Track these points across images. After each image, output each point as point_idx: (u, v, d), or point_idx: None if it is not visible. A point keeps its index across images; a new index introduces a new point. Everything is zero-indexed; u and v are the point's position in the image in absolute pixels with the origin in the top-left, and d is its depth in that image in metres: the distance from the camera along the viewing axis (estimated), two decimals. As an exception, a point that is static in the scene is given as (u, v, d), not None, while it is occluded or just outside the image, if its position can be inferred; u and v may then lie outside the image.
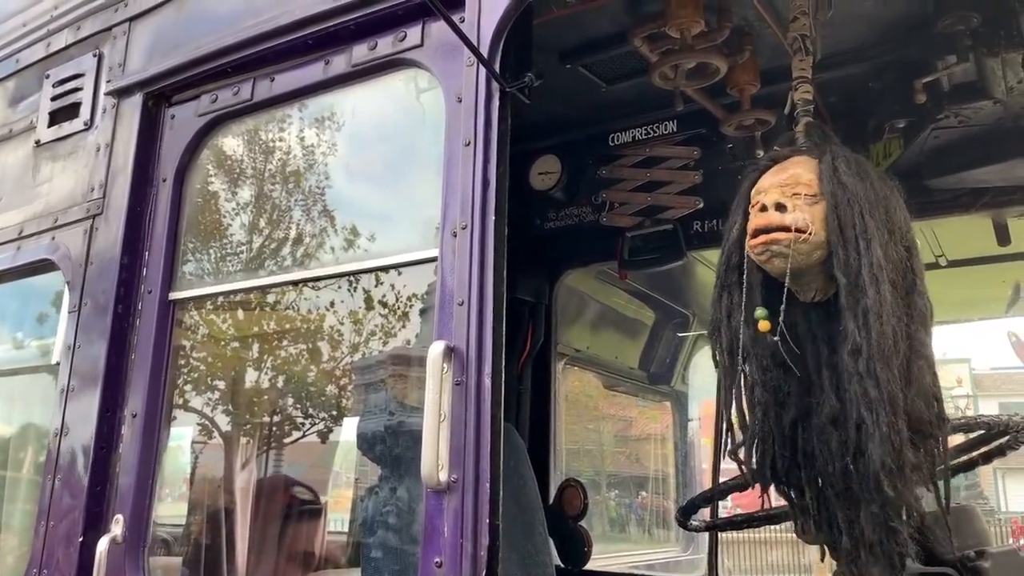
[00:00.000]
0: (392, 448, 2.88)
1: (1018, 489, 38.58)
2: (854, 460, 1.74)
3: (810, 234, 1.79)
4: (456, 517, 1.69)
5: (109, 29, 2.83)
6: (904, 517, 1.78)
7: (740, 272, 1.90)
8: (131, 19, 2.78)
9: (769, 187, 1.86)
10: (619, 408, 6.48)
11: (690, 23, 2.53)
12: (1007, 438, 2.43)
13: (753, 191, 1.92)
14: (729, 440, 1.93)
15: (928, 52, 2.65)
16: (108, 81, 2.77)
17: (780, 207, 1.79)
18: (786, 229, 1.78)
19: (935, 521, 2.36)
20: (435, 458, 1.71)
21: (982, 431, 2.30)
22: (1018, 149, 2.88)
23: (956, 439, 2.52)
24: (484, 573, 1.64)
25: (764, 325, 1.83)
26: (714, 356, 1.94)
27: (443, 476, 1.71)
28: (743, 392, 1.89)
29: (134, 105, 2.66)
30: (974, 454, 2.59)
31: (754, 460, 1.89)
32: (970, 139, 2.93)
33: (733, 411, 1.90)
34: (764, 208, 1.81)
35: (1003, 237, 3.30)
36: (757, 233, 1.81)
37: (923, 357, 1.81)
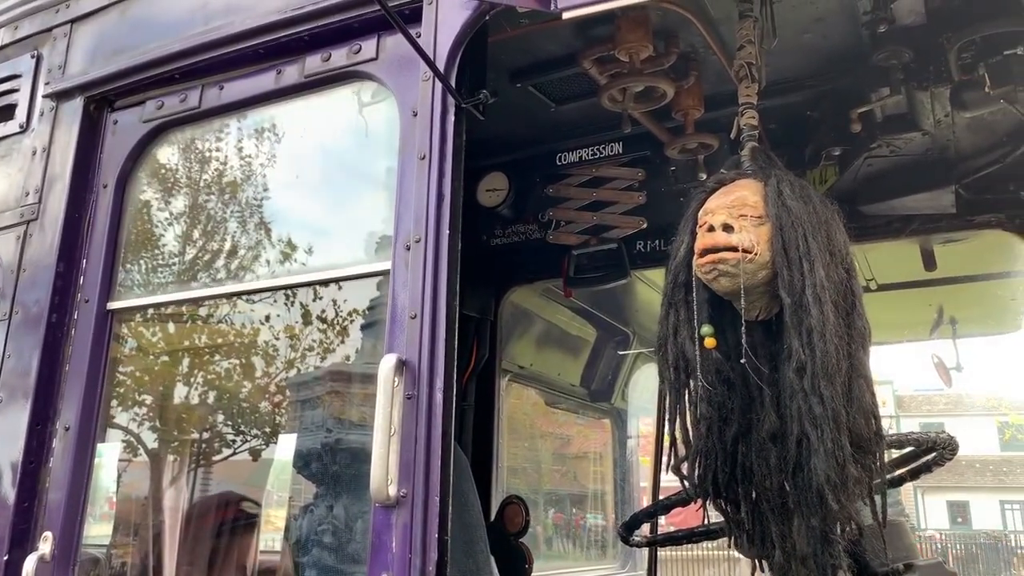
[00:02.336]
0: (329, 466, 2.84)
1: (936, 506, 40.08)
2: (793, 475, 1.79)
3: (756, 254, 1.84)
4: (405, 532, 1.68)
5: (49, 30, 2.75)
6: (840, 531, 1.83)
7: (687, 290, 1.95)
8: (73, 21, 2.71)
9: (716, 208, 1.91)
10: (557, 426, 6.51)
11: (639, 47, 2.59)
12: (934, 455, 2.54)
13: (700, 212, 1.96)
14: (672, 455, 1.96)
15: (863, 84, 2.77)
16: (47, 83, 2.68)
17: (727, 228, 1.84)
18: (733, 249, 1.82)
19: (868, 535, 2.45)
20: (384, 472, 1.70)
21: (912, 447, 2.39)
22: (944, 179, 3.03)
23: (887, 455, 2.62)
24: (433, 588, 1.63)
25: (710, 342, 1.88)
26: (660, 372, 1.97)
27: (392, 491, 1.70)
28: (687, 407, 1.92)
29: (74, 109, 2.58)
30: (903, 470, 2.70)
31: (696, 475, 1.93)
32: (900, 168, 3.07)
33: (677, 426, 1.94)
34: (711, 228, 1.86)
35: (929, 262, 3.46)
36: (705, 252, 1.85)
37: (863, 376, 1.88)
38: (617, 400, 5.41)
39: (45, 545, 2.17)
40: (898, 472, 2.72)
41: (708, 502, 1.99)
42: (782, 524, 1.86)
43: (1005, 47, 2.35)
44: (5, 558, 2.21)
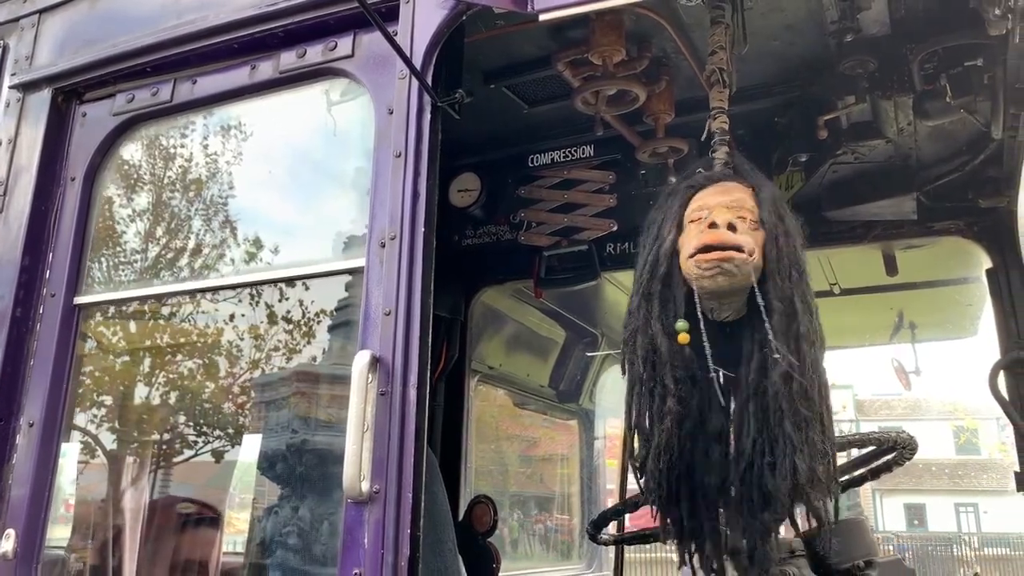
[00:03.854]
0: (294, 467, 2.82)
1: (893, 508, 40.87)
2: (743, 473, 1.82)
3: (754, 258, 1.85)
4: (377, 528, 1.68)
5: (16, 20, 2.70)
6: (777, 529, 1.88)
7: (664, 283, 1.93)
8: (41, 11, 2.66)
9: (716, 206, 1.90)
10: (524, 429, 6.54)
11: (612, 51, 2.62)
12: (894, 454, 2.60)
13: (693, 207, 1.95)
14: (633, 449, 1.97)
15: (830, 91, 2.83)
16: (13, 74, 2.64)
17: (731, 227, 1.84)
18: (738, 249, 1.82)
19: (825, 534, 2.51)
20: (358, 469, 1.70)
21: (873, 447, 2.45)
22: (906, 186, 3.10)
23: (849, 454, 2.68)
24: (405, 583, 1.64)
25: (683, 337, 1.87)
26: (626, 363, 1.96)
27: (365, 487, 1.70)
28: (652, 401, 1.91)
29: (42, 100, 2.54)
30: (864, 470, 2.77)
31: (657, 469, 1.92)
32: (864, 175, 3.14)
33: (645, 419, 1.93)
34: (714, 225, 1.85)
35: (891, 268, 3.54)
36: (709, 249, 1.83)
37: (824, 380, 1.93)
38: (585, 401, 5.45)
39: (7, 543, 2.13)
40: (859, 471, 2.80)
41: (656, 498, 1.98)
42: (713, 520, 1.90)
43: (966, 59, 2.42)
44: (-35, 556, 2.17)
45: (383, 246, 1.85)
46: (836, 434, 2.30)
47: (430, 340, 1.80)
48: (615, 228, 3.60)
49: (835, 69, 2.69)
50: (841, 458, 2.51)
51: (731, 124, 3.17)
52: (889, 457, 2.64)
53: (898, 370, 5.59)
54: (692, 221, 1.90)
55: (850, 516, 2.76)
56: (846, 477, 2.77)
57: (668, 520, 2.02)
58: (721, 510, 1.93)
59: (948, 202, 3.16)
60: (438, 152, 1.90)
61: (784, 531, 2.72)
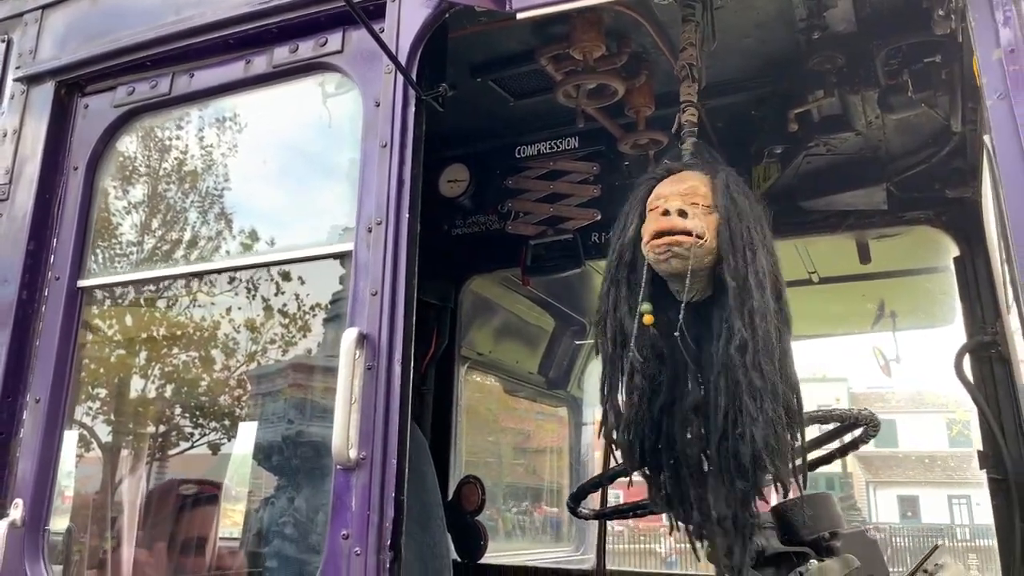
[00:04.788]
0: (290, 459, 2.93)
1: (887, 500, 41.13)
2: (718, 443, 1.95)
3: (706, 240, 1.97)
4: (364, 492, 1.81)
5: (20, 15, 2.81)
6: (757, 497, 2.00)
7: (630, 269, 2.06)
8: (44, 7, 2.77)
9: (670, 195, 2.03)
10: (519, 421, 6.69)
11: (592, 47, 2.74)
12: (860, 431, 2.73)
13: (652, 197, 2.07)
14: (605, 423, 2.10)
15: (801, 86, 2.95)
16: (17, 67, 2.75)
17: (682, 213, 1.97)
18: (687, 233, 1.95)
19: (794, 506, 2.64)
20: (346, 437, 1.83)
21: (836, 423, 2.57)
22: (876, 177, 3.23)
23: (812, 431, 2.80)
24: (389, 543, 1.77)
25: (648, 319, 2.00)
26: (598, 344, 2.10)
27: (353, 453, 1.82)
28: (621, 378, 2.04)
29: (45, 93, 2.65)
30: (832, 448, 2.90)
31: (626, 440, 2.06)
32: (836, 166, 3.26)
33: (618, 396, 2.07)
34: (666, 212, 1.97)
35: (864, 256, 3.66)
36: (660, 234, 1.96)
37: (790, 356, 2.06)
38: (573, 388, 5.57)
39: (16, 511, 2.26)
40: (829, 450, 2.93)
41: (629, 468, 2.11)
42: (699, 488, 2.03)
43: (925, 55, 2.54)
44: (-24, 524, 2.29)
45: (370, 231, 1.97)
46: (807, 411, 2.48)
47: (414, 319, 1.92)
48: (599, 217, 3.72)
49: (805, 65, 2.81)
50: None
51: (710, 117, 3.33)
52: (856, 434, 2.77)
53: (878, 358, 5.73)
54: (651, 210, 2.02)
55: (841, 507, 2.86)
56: (815, 455, 2.91)
57: (655, 490, 2.16)
58: (708, 479, 2.06)
59: (917, 192, 3.28)
60: (422, 143, 2.02)
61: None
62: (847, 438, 2.81)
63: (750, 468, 1.89)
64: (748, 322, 1.90)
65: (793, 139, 3.21)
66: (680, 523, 2.12)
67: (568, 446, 5.83)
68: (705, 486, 2.02)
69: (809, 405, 2.26)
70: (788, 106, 3.05)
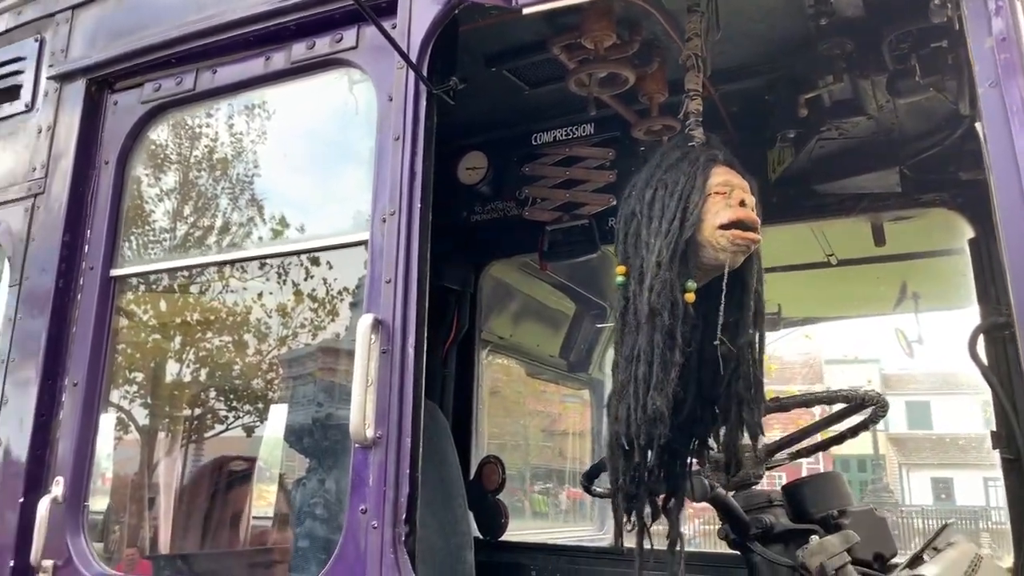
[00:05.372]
0: (320, 441, 3.04)
1: (921, 483, 40.73)
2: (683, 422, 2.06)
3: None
4: (380, 469, 1.91)
5: (52, 15, 2.93)
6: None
7: (688, 245, 2.01)
8: (74, 7, 2.89)
9: (739, 186, 2.04)
10: (545, 404, 6.79)
11: (603, 36, 2.78)
12: (869, 412, 2.77)
13: (719, 180, 2.04)
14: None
15: (811, 71, 2.98)
16: (50, 66, 2.87)
17: (754, 208, 2.03)
18: (757, 232, 2.02)
19: (803, 485, 2.71)
20: (362, 417, 1.92)
21: (842, 403, 2.62)
22: (889, 160, 3.25)
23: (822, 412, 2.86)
24: (404, 517, 1.87)
25: (689, 296, 2.00)
26: (652, 313, 1.99)
27: (369, 433, 1.92)
28: (658, 352, 1.98)
29: (77, 90, 2.77)
30: (843, 429, 2.95)
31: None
32: (849, 150, 3.29)
33: (652, 369, 1.99)
34: (743, 204, 2.00)
35: (879, 238, 3.68)
36: (745, 227, 1.98)
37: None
38: (595, 371, 5.64)
39: (57, 488, 2.40)
40: (839, 431, 2.98)
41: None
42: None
43: (933, 40, 2.56)
44: (21, 500, 2.44)
45: (384, 221, 2.06)
46: (812, 393, 2.57)
47: (427, 305, 2.01)
48: (614, 203, 3.77)
49: (815, 50, 2.84)
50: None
51: (724, 102, 3.36)
52: (866, 415, 2.82)
53: (901, 339, 5.74)
54: (717, 193, 2.01)
55: (868, 496, 2.92)
56: (824, 436, 2.97)
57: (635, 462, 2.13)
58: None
59: (931, 175, 3.29)
60: (433, 135, 2.10)
61: (764, 484, 2.93)
62: (857, 419, 2.86)
63: (730, 450, 2.01)
64: (755, 323, 2.02)
65: (806, 123, 3.23)
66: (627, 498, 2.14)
67: (590, 427, 5.92)
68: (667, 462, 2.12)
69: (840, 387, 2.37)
70: (800, 91, 3.07)
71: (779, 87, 3.20)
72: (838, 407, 2.69)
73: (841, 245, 4.26)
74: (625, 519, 2.19)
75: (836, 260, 4.39)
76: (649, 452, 2.10)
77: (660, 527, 2.27)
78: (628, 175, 3.68)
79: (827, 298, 5.40)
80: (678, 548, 2.30)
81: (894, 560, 2.64)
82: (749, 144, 3.47)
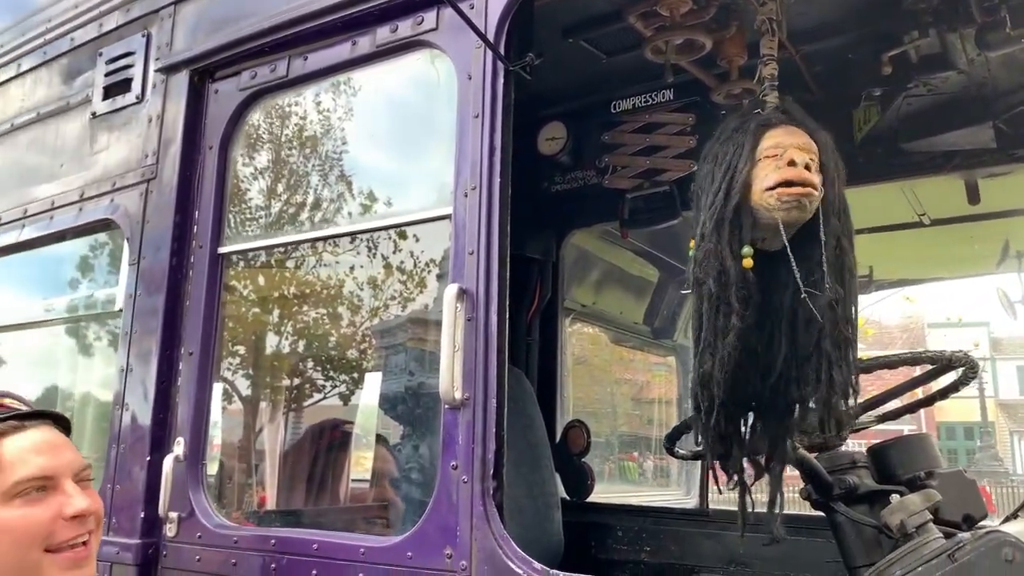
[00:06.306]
0: (413, 408, 3.20)
1: (1032, 451, 38.76)
2: (774, 385, 2.08)
3: (819, 196, 2.06)
4: (468, 428, 2.04)
5: (156, 11, 3.14)
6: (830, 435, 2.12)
7: (736, 211, 2.08)
8: (176, 2, 3.09)
9: (792, 145, 2.07)
10: (633, 372, 6.85)
11: (678, 3, 2.80)
12: (961, 372, 2.73)
13: (769, 143, 2.09)
14: (700, 364, 2.20)
15: (897, 27, 2.91)
16: (157, 59, 3.08)
17: (807, 166, 2.04)
18: (814, 187, 2.03)
19: (889, 447, 2.70)
20: (451, 380, 2.05)
21: (928, 364, 2.60)
22: (982, 115, 3.14)
23: (910, 373, 2.83)
24: (492, 472, 1.99)
25: (748, 262, 2.07)
26: (695, 283, 2.12)
27: (458, 395, 2.05)
28: (718, 319, 2.08)
29: (181, 81, 2.97)
30: (933, 391, 2.91)
31: (723, 379, 2.09)
32: (939, 106, 3.20)
33: (711, 334, 2.09)
34: (793, 163, 2.03)
35: (973, 196, 3.57)
36: (791, 184, 2.02)
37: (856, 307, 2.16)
38: (680, 337, 5.65)
39: (179, 448, 2.63)
40: (926, 394, 2.95)
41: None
42: (741, 424, 2.18)
43: (1025, -11, 2.47)
44: (148, 458, 2.69)
45: (466, 196, 2.17)
46: (894, 353, 2.55)
47: (508, 275, 2.11)
48: (695, 168, 3.76)
49: (899, 5, 2.77)
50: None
51: (808, 62, 3.32)
52: (956, 377, 2.77)
53: (1003, 299, 5.52)
54: (768, 157, 2.05)
55: (976, 462, 2.88)
56: (906, 401, 2.94)
57: (710, 425, 2.19)
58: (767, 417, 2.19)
59: (1028, 128, 3.17)
60: (512, 111, 2.18)
61: (849, 444, 2.93)
62: (943, 381, 2.81)
63: (824, 409, 2.02)
64: (839, 279, 2.01)
65: (893, 80, 3.16)
66: (717, 458, 2.23)
67: (677, 394, 5.95)
68: (746, 423, 2.15)
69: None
70: (885, 48, 3.01)
71: (863, 44, 3.13)
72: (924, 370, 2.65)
73: (933, 204, 4.13)
74: (726, 481, 2.26)
75: (929, 220, 4.27)
76: (717, 413, 2.16)
77: (732, 494, 2.32)
78: (709, 139, 3.73)
79: (921, 259, 5.24)
80: (777, 509, 2.34)
81: (984, 522, 2.61)
82: (834, 104, 3.41)
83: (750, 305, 2.12)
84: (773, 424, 2.14)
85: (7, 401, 1.78)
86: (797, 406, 2.16)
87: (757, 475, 2.31)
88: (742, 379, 2.14)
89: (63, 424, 1.82)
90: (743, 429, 2.20)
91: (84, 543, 1.70)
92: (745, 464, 2.28)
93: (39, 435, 1.73)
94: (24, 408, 1.78)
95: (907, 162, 3.47)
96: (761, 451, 2.18)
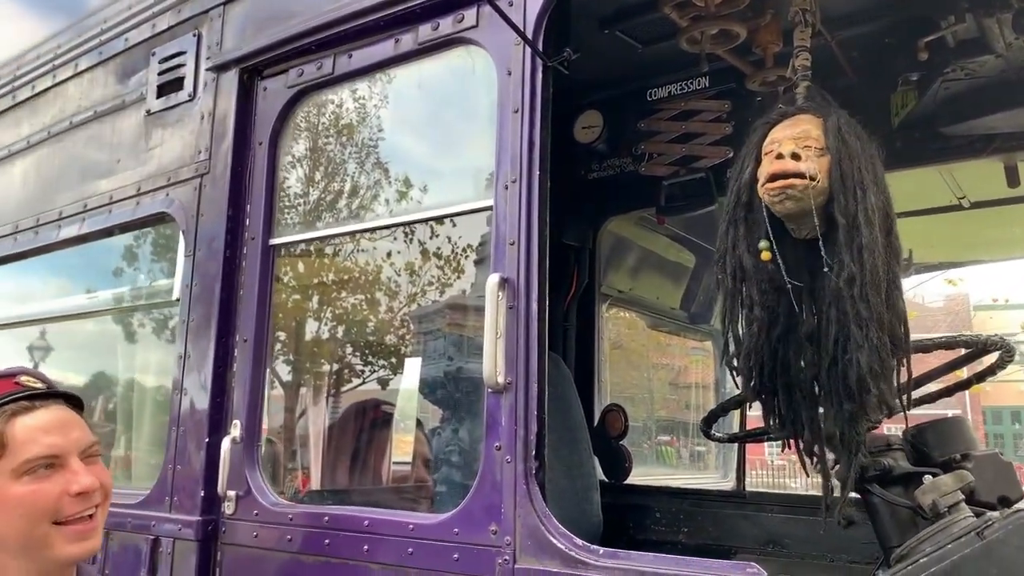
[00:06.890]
0: (452, 392, 3.31)
1: (1082, 435, 37.81)
2: (828, 368, 2.11)
3: (817, 182, 2.12)
4: (511, 411, 2.13)
5: (206, 12, 3.26)
6: (871, 416, 2.16)
7: (747, 209, 2.23)
8: (225, 3, 3.20)
9: (783, 138, 2.17)
10: (670, 357, 6.89)
11: (713, -8, 2.84)
12: (997, 356, 2.75)
13: (766, 141, 2.22)
14: (727, 352, 2.30)
15: (934, 12, 2.91)
16: (208, 58, 3.21)
17: (795, 156, 2.11)
18: (800, 176, 2.09)
19: (925, 430, 2.73)
20: (494, 365, 2.15)
21: (963, 348, 2.62)
22: (1021, 98, 3.13)
23: (944, 356, 2.85)
24: (534, 453, 2.09)
25: (766, 255, 2.17)
26: (718, 280, 2.29)
27: (501, 379, 2.14)
28: (740, 311, 2.24)
29: (231, 79, 3.09)
30: (969, 375, 2.93)
31: (746, 368, 2.26)
32: (978, 90, 3.19)
33: (738, 327, 2.26)
34: (780, 156, 2.11)
35: (1012, 179, 3.55)
36: (775, 177, 2.11)
37: (898, 287, 2.18)
38: (717, 322, 5.68)
39: (235, 430, 2.77)
40: (965, 377, 2.97)
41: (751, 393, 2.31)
42: (810, 410, 2.21)
43: (1062, -27, 2.47)
44: (207, 440, 2.84)
45: (507, 188, 2.25)
46: (929, 337, 2.57)
47: (547, 264, 2.19)
48: (731, 155, 3.79)
49: (935, -9, 2.78)
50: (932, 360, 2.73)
51: (843, 48, 3.33)
52: (993, 360, 2.79)
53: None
54: (766, 154, 2.17)
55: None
56: (944, 383, 2.96)
57: (770, 413, 2.37)
58: (818, 401, 2.25)
59: (1068, 111, 3.15)
60: (550, 106, 2.26)
61: (883, 428, 2.97)
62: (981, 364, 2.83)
63: (856, 390, 2.06)
64: (856, 257, 2.04)
65: (930, 65, 3.16)
66: (792, 442, 2.31)
67: (714, 378, 5.99)
68: (816, 408, 2.20)
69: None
70: (922, 32, 3.01)
71: (899, 29, 3.14)
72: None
73: (973, 187, 4.11)
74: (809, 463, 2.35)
75: (968, 203, 4.24)
76: (775, 398, 2.28)
77: (766, 477, 2.39)
78: (745, 126, 3.75)
79: (961, 242, 5.20)
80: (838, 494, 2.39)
81: (1021, 504, 2.64)
82: (871, 89, 3.42)
83: (774, 295, 2.21)
84: (839, 407, 2.17)
85: (23, 379, 1.86)
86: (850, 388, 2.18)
87: (835, 460, 2.35)
88: (798, 365, 2.21)
89: (74, 402, 1.90)
90: (804, 414, 2.26)
91: (90, 516, 1.80)
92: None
93: (48, 415, 1.81)
94: (38, 386, 1.86)
95: (946, 146, 3.47)
96: (832, 435, 2.22)
